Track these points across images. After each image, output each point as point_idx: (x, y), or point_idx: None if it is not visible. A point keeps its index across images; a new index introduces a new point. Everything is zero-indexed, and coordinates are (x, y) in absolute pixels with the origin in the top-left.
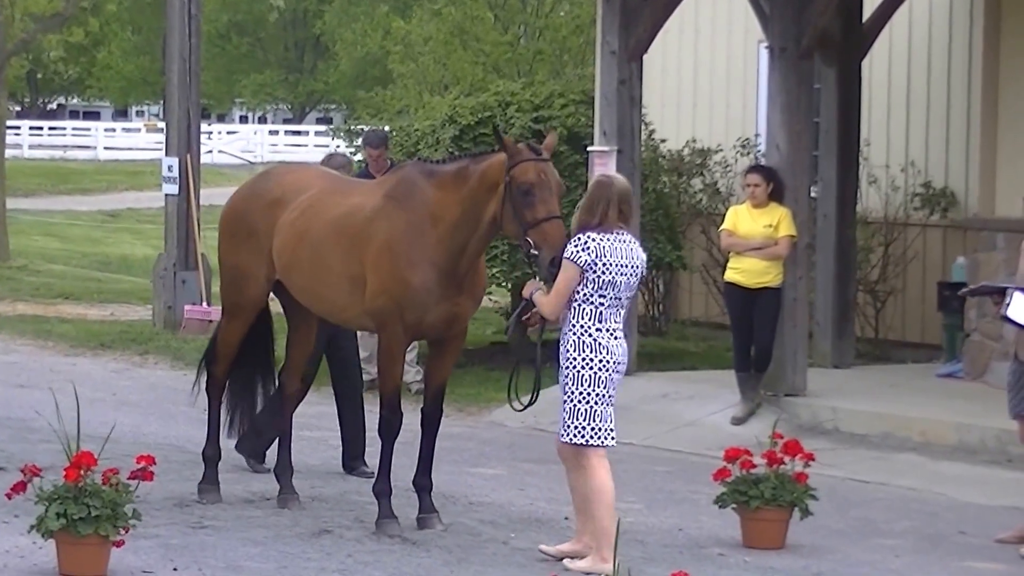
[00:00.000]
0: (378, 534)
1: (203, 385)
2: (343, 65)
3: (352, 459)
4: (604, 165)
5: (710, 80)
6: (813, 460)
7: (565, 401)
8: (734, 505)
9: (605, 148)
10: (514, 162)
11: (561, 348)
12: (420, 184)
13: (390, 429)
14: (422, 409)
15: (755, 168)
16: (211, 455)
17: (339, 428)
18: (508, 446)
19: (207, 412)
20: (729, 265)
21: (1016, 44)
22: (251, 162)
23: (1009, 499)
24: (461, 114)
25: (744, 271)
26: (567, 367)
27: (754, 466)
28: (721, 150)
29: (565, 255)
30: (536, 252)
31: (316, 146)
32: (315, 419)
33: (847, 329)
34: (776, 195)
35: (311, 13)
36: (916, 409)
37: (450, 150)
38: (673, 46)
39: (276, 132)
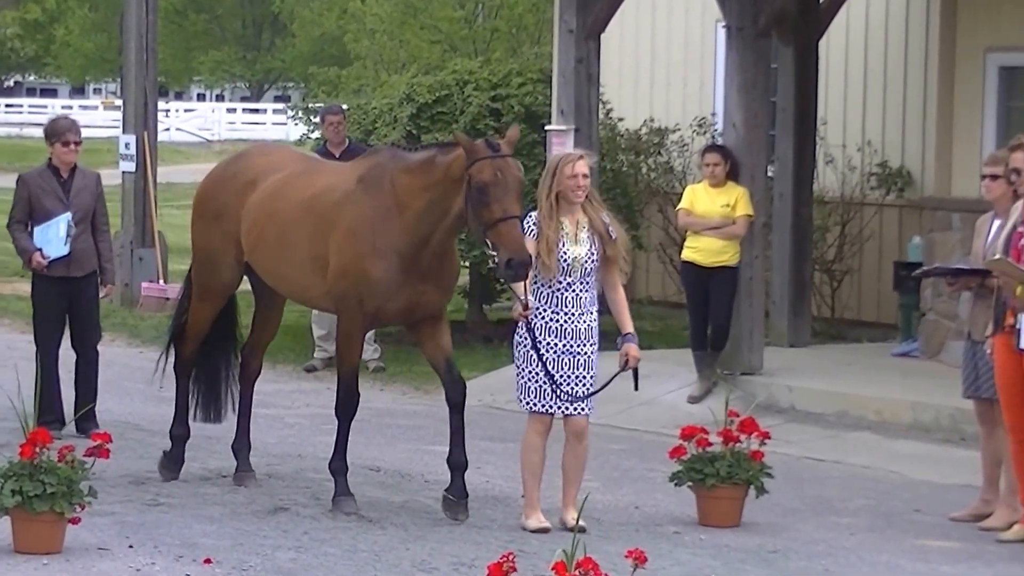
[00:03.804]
0: (334, 511)
1: (169, 365)
2: (300, 43)
3: (83, 419)
4: (561, 144)
5: (667, 59)
6: (769, 438)
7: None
8: (690, 483)
9: (562, 127)
10: (471, 160)
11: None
12: (390, 171)
13: (346, 410)
14: (446, 388)
15: (712, 147)
16: (179, 434)
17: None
18: (465, 424)
19: (175, 392)
20: (686, 244)
21: (972, 23)
22: (208, 140)
23: (963, 478)
24: (419, 92)
25: (701, 250)
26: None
27: (710, 444)
28: (678, 129)
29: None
30: (494, 253)
31: (274, 124)
32: (271, 396)
33: (803, 308)
34: (733, 174)
35: None
36: (871, 388)
37: (407, 128)
38: (631, 25)
39: (233, 110)
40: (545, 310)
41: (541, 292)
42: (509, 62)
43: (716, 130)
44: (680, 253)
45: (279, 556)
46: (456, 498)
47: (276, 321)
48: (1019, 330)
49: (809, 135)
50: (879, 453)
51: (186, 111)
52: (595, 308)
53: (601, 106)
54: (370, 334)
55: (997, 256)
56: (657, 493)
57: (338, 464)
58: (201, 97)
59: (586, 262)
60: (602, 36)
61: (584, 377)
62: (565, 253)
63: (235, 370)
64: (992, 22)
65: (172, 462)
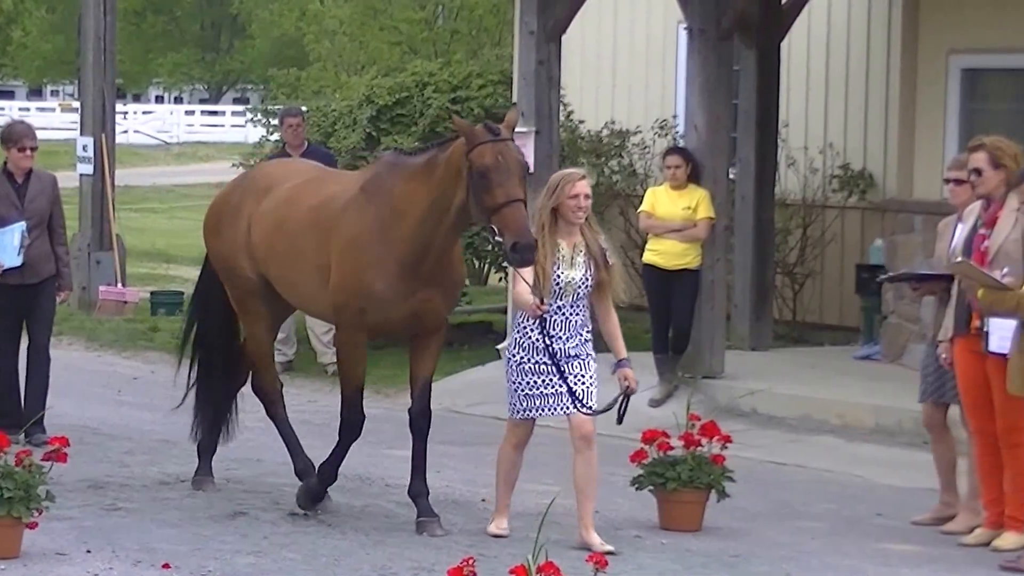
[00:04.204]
0: (297, 510)
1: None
2: (259, 45)
3: (31, 427)
4: (523, 145)
5: (629, 61)
6: (730, 442)
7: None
8: (651, 487)
9: (523, 129)
10: (471, 145)
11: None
12: (391, 177)
13: (351, 429)
14: (408, 411)
15: (674, 150)
16: (303, 468)
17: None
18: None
19: (277, 428)
20: (647, 247)
21: (935, 26)
22: (167, 142)
23: (925, 481)
24: (378, 94)
25: (662, 253)
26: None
27: (671, 448)
28: (640, 131)
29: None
30: (500, 239)
31: (233, 126)
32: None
33: (765, 311)
34: (695, 177)
35: None
36: (834, 391)
37: (367, 130)
38: (592, 26)
39: (192, 112)
40: (532, 330)
41: (526, 317)
42: (469, 64)
43: (678, 132)
44: (641, 256)
45: (238, 561)
46: (428, 518)
47: (276, 326)
48: (986, 332)
49: (771, 137)
50: (841, 457)
51: (144, 113)
52: (587, 329)
53: (562, 108)
54: (328, 337)
55: (959, 259)
56: (618, 497)
57: (327, 478)
58: (159, 99)
59: (579, 287)
60: (563, 38)
61: (583, 376)
62: (559, 276)
63: (238, 383)
64: (955, 24)
65: (309, 498)
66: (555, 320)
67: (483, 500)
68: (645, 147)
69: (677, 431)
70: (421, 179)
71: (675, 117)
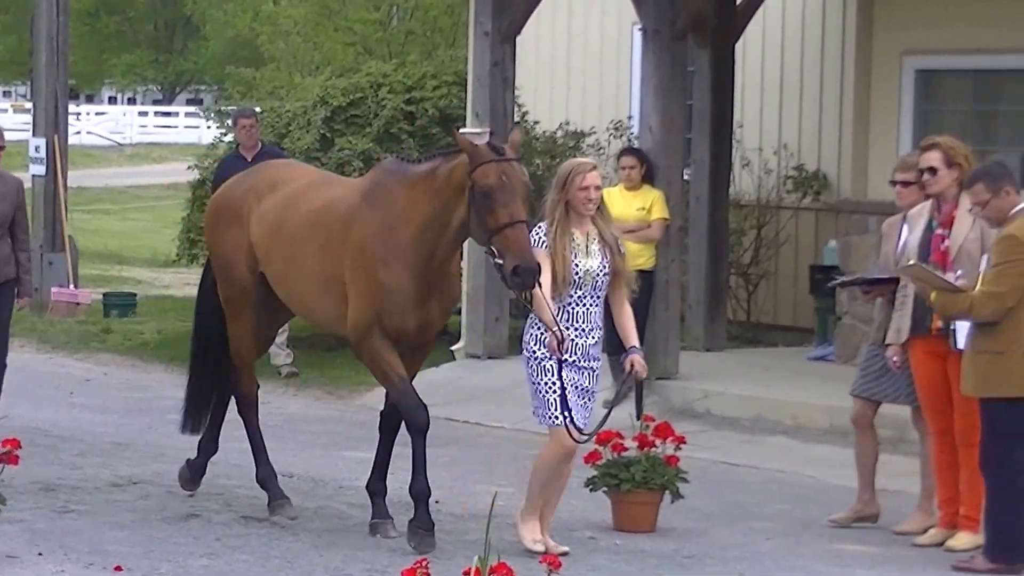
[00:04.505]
0: (411, 542)
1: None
2: (213, 46)
3: None
4: None
5: (584, 62)
6: (684, 443)
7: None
8: (605, 488)
9: (478, 130)
10: (475, 164)
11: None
12: (393, 184)
13: (420, 425)
14: (381, 412)
15: (628, 150)
16: (265, 475)
17: None
18: (374, 429)
19: (247, 432)
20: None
21: (889, 27)
22: (120, 143)
23: (879, 482)
24: (332, 95)
25: None
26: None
27: (625, 449)
28: (594, 132)
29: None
30: (500, 261)
31: (186, 127)
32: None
33: (719, 312)
34: (649, 177)
35: None
36: (787, 392)
37: (321, 131)
38: (546, 27)
39: (145, 113)
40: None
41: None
42: (424, 65)
43: (632, 133)
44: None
45: (191, 563)
46: (380, 519)
47: (270, 337)
48: (954, 330)
49: (725, 138)
50: (795, 458)
51: (97, 114)
52: (600, 327)
53: (516, 109)
54: (281, 339)
55: (911, 262)
56: (572, 498)
57: (422, 486)
58: (112, 100)
59: (598, 275)
60: (518, 39)
61: (588, 391)
62: (577, 266)
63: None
64: (909, 25)
65: (278, 499)
66: (577, 312)
67: (436, 501)
68: (600, 148)
69: (631, 432)
70: (423, 187)
71: (630, 118)
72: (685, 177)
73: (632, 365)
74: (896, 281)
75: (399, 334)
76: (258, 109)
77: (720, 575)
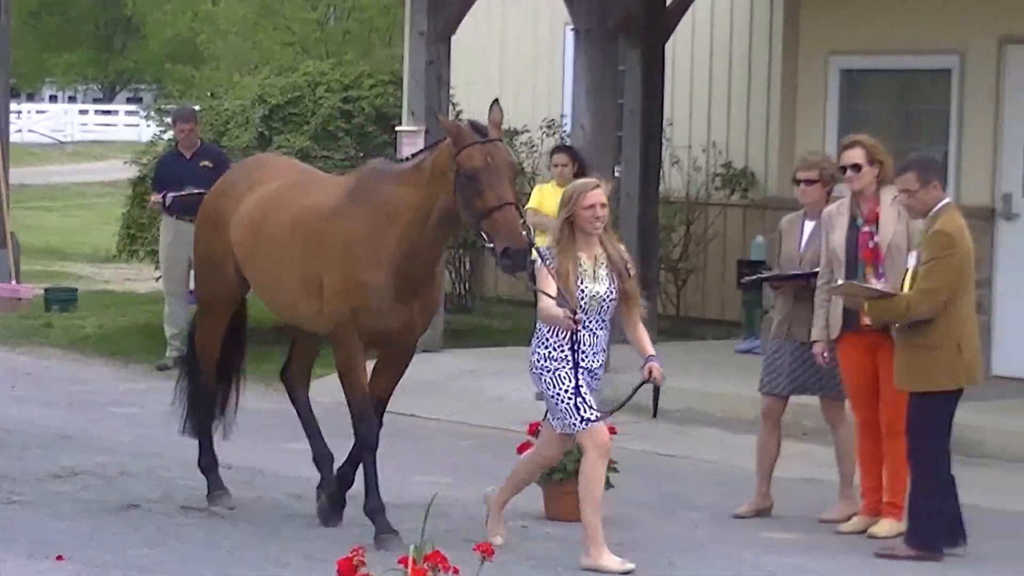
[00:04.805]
0: (380, 547)
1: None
2: (153, 45)
3: None
4: (412, 145)
5: (517, 61)
6: (616, 433)
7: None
8: (537, 479)
9: (413, 128)
10: (460, 147)
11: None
12: (379, 182)
13: (369, 444)
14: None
15: (561, 148)
16: (207, 464)
17: None
18: (320, 420)
19: (198, 422)
20: (534, 244)
21: (814, 28)
22: (61, 141)
23: (804, 471)
24: (271, 94)
25: None
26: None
27: None
28: (527, 131)
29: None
30: (491, 245)
31: (126, 125)
32: (125, 395)
33: (649, 306)
34: (581, 174)
35: None
36: (716, 384)
37: (259, 129)
38: (481, 27)
39: (86, 111)
40: (561, 346)
41: (556, 329)
42: (360, 64)
43: (564, 131)
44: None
45: (132, 553)
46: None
47: (315, 342)
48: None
49: (655, 136)
50: (725, 448)
51: (38, 112)
52: (606, 348)
53: (451, 107)
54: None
55: (840, 282)
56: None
57: (374, 503)
58: (53, 99)
59: (604, 300)
60: (452, 38)
61: (592, 392)
62: (583, 291)
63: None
64: (834, 27)
65: (218, 489)
66: (582, 336)
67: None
68: (533, 146)
69: None
70: (410, 183)
71: (562, 116)
72: (616, 174)
73: (651, 372)
74: (806, 277)
75: (377, 336)
76: (197, 107)
77: (651, 563)
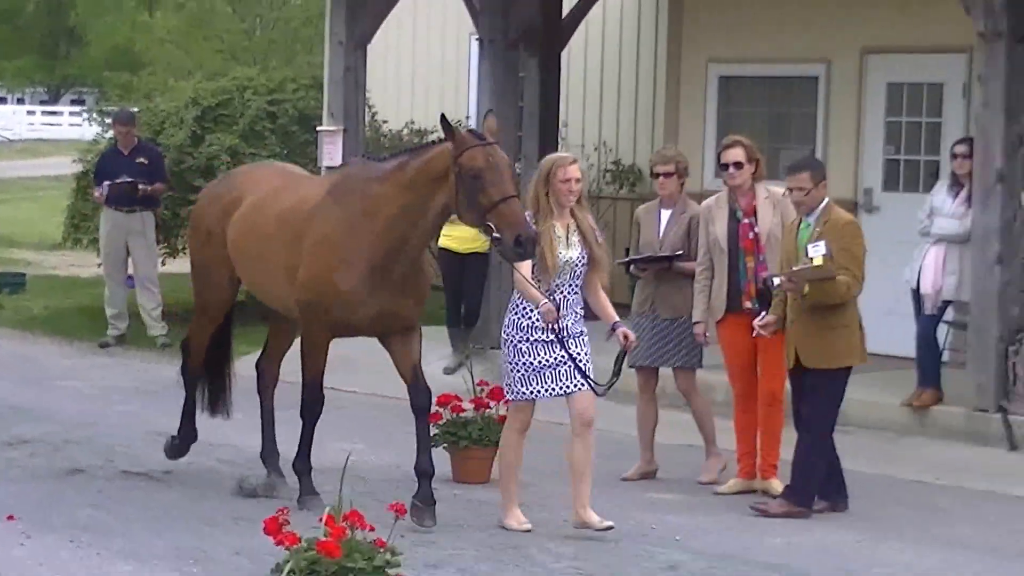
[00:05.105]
0: (302, 509)
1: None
2: (94, 52)
3: None
4: (332, 143)
5: (427, 68)
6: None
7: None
8: (445, 444)
9: (333, 128)
10: (460, 150)
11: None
12: (359, 181)
13: (312, 413)
14: (410, 395)
15: None
16: (186, 434)
17: None
18: (246, 393)
19: (184, 398)
20: (443, 232)
21: (695, 38)
22: (10, 139)
23: (685, 438)
24: (203, 97)
25: (456, 238)
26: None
27: (463, 410)
28: (436, 131)
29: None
30: (499, 236)
31: (70, 125)
32: (69, 371)
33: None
34: None
35: (65, 4)
36: (604, 358)
37: (192, 129)
38: (394, 36)
39: (33, 112)
40: (532, 311)
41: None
42: (285, 70)
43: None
44: (438, 241)
45: (77, 513)
46: (423, 504)
47: (290, 332)
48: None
49: (552, 136)
50: (612, 416)
51: None
52: (581, 308)
53: (367, 109)
54: (156, 312)
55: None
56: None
57: (302, 465)
58: (2, 100)
59: (576, 265)
60: (368, 47)
61: (583, 353)
62: (559, 256)
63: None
64: (712, 37)
65: (174, 452)
66: (555, 300)
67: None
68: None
69: (467, 395)
70: (392, 182)
71: (467, 117)
72: (516, 171)
73: (626, 337)
74: (668, 259)
75: (349, 325)
76: (135, 110)
77: (545, 521)
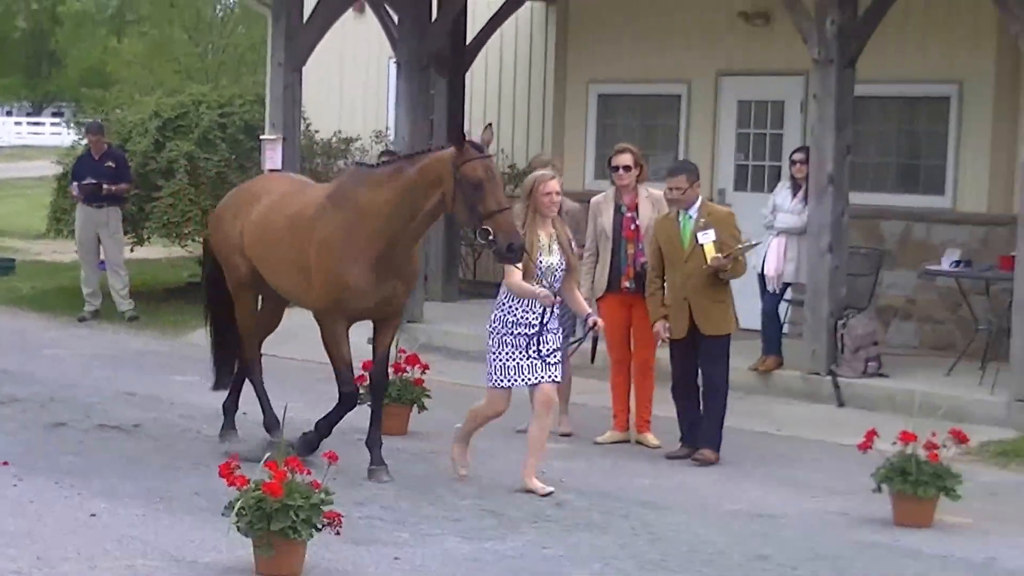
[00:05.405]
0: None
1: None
2: (71, 72)
3: None
4: (272, 150)
5: (352, 86)
6: (428, 369)
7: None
8: (368, 403)
9: (273, 136)
10: (464, 160)
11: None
12: (356, 186)
13: (349, 402)
14: (369, 375)
15: (386, 153)
16: (270, 422)
17: None
18: (200, 360)
19: (255, 391)
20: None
21: (578, 64)
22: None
23: (579, 397)
24: (164, 110)
25: None
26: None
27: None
28: (360, 139)
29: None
30: (494, 240)
31: (51, 133)
32: (53, 340)
33: (453, 273)
34: None
35: (47, 31)
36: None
37: (155, 137)
38: (325, 60)
39: (20, 123)
40: (517, 309)
41: (511, 296)
42: (233, 88)
43: (389, 139)
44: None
45: (60, 459)
46: (377, 466)
47: (278, 318)
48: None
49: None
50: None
51: None
52: (558, 308)
53: (303, 121)
54: (125, 291)
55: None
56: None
57: (324, 431)
58: None
59: (556, 270)
60: (304, 68)
61: (553, 350)
62: (540, 262)
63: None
64: (592, 62)
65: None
66: (551, 287)
67: (244, 413)
68: (364, 150)
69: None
70: (387, 186)
71: (387, 128)
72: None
73: (595, 324)
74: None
75: (362, 311)
76: (105, 121)
77: (454, 467)
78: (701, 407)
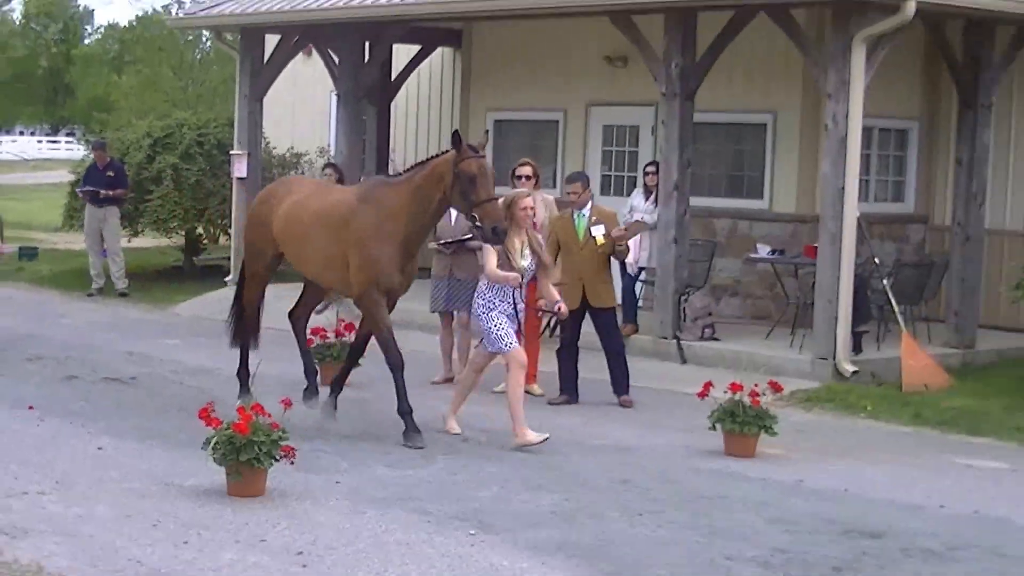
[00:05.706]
0: (407, 444)
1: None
2: (82, 101)
3: None
4: (240, 162)
5: (303, 112)
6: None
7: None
8: (317, 360)
9: (240, 152)
10: (463, 158)
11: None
12: (381, 191)
13: (397, 364)
14: (351, 345)
15: (329, 164)
16: (242, 374)
17: None
18: (185, 327)
19: (239, 354)
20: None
21: (478, 95)
22: (26, 159)
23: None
24: (154, 130)
25: None
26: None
27: (328, 338)
28: (308, 154)
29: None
30: (480, 225)
31: (66, 149)
32: (68, 312)
33: None
34: (341, 181)
35: (62, 69)
36: (423, 305)
37: (148, 152)
38: (281, 92)
39: (41, 141)
40: (494, 298)
41: (498, 289)
42: (209, 113)
43: (331, 154)
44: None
45: (72, 405)
46: (412, 431)
47: (318, 297)
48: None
49: (384, 159)
50: (421, 342)
51: (11, 141)
52: (523, 299)
53: (263, 140)
54: (121, 271)
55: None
56: (297, 367)
57: (405, 406)
58: (21, 132)
59: (528, 270)
60: (264, 99)
61: (515, 331)
62: (515, 265)
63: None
64: (490, 93)
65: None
66: (513, 293)
67: (221, 369)
68: (312, 163)
69: (331, 328)
70: (405, 189)
71: (329, 145)
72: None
73: (560, 308)
74: (463, 242)
75: (388, 290)
76: (108, 138)
77: (386, 412)
78: (577, 367)
